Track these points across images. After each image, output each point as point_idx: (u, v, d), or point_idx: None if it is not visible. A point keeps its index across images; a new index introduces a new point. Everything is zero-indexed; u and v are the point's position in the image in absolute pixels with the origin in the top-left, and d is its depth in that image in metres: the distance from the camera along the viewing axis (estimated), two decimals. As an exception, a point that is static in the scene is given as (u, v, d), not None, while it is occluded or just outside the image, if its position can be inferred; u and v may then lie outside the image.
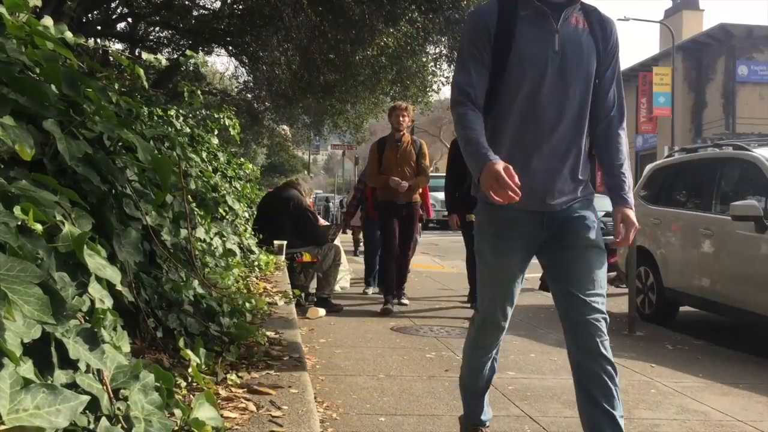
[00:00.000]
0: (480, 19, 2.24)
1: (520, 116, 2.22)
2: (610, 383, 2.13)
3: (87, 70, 2.56)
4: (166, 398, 1.64)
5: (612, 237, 2.29)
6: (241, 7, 11.59)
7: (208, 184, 4.56)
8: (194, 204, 3.98)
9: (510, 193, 1.98)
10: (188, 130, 5.11)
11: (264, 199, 7.11)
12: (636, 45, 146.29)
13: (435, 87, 14.05)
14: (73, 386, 1.36)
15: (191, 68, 11.34)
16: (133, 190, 2.39)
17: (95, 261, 1.54)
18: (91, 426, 1.36)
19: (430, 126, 40.91)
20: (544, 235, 2.30)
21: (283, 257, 6.09)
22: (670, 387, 3.89)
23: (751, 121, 25.87)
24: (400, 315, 6.01)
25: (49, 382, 1.30)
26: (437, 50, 12.65)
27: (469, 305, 6.47)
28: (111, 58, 4.75)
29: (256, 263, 5.55)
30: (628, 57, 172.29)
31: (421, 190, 6.65)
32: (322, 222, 7.32)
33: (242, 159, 10.35)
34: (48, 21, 2.16)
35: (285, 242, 6.14)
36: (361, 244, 9.55)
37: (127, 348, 1.68)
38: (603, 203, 3.92)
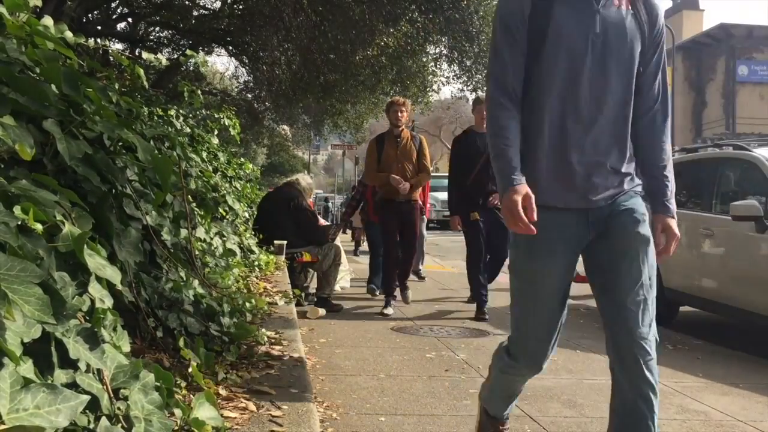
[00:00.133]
0: (513, 0, 2.05)
1: (559, 105, 2.03)
2: (648, 415, 1.98)
3: (87, 70, 2.56)
4: (166, 398, 1.64)
5: None
6: (241, 7, 11.59)
7: (208, 184, 4.56)
8: (194, 204, 3.98)
9: (521, 225, 1.90)
10: (188, 130, 5.11)
11: (264, 199, 7.11)
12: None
13: (435, 87, 14.06)
14: (73, 386, 1.36)
15: (191, 68, 11.36)
16: (133, 190, 2.39)
17: (95, 261, 1.54)
18: (91, 426, 1.36)
19: (430, 126, 40.88)
20: (590, 235, 2.09)
21: (283, 257, 6.09)
22: (670, 387, 3.89)
23: (751, 121, 25.89)
24: (400, 315, 6.01)
25: (49, 381, 1.30)
26: (437, 50, 12.66)
27: (472, 307, 6.46)
28: (111, 58, 4.75)
29: (256, 263, 5.55)
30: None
31: (420, 189, 6.55)
32: (322, 222, 7.31)
33: (242, 159, 10.36)
34: (48, 21, 2.16)
35: (285, 242, 6.14)
36: (363, 244, 9.54)
37: (127, 348, 1.68)
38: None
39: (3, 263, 1.24)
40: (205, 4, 12.97)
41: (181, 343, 2.39)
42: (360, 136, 21.81)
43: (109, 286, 1.64)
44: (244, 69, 16.24)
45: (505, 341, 2.31)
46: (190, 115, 5.53)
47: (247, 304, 3.53)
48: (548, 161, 2.06)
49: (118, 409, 1.46)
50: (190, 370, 2.24)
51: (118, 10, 13.14)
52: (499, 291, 6.23)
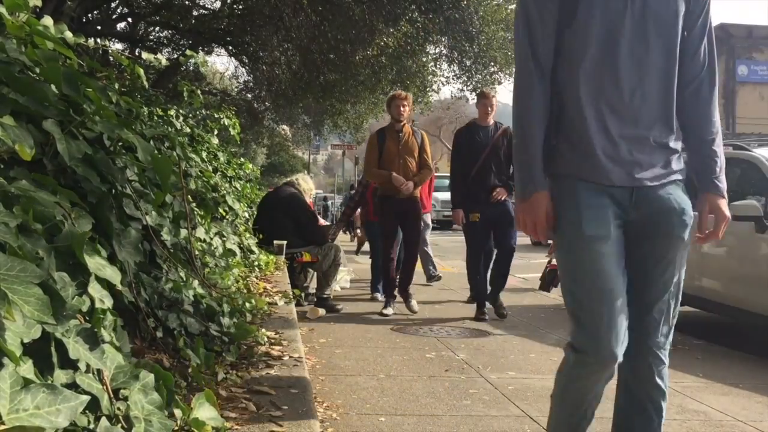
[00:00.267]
0: None
1: (595, 74, 1.85)
2: (656, 420, 1.98)
3: (87, 70, 2.56)
4: (166, 398, 1.63)
5: None
6: (241, 7, 11.60)
7: (208, 184, 4.56)
8: (194, 204, 3.98)
9: (540, 235, 1.85)
10: (188, 130, 5.11)
11: (264, 198, 7.10)
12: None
13: (435, 87, 14.07)
14: (73, 386, 1.36)
15: (191, 68, 11.38)
16: (133, 190, 2.39)
17: (95, 261, 1.54)
18: (91, 426, 1.36)
19: (430, 126, 40.86)
20: (633, 214, 1.89)
21: (283, 257, 6.09)
22: (670, 387, 3.88)
23: (751, 121, 25.87)
24: (400, 315, 6.01)
25: (49, 382, 1.30)
26: (437, 50, 12.69)
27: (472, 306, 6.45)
28: (111, 58, 4.76)
29: (256, 263, 5.55)
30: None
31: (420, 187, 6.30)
32: (322, 222, 7.31)
33: (242, 159, 10.36)
34: (48, 21, 2.16)
35: (285, 242, 6.14)
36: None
37: (127, 348, 1.68)
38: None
39: (3, 263, 1.24)
40: (204, 4, 13.00)
41: (181, 343, 2.39)
42: (360, 136, 21.84)
43: (109, 287, 1.64)
44: (243, 69, 16.27)
45: (566, 345, 2.01)
46: (190, 115, 5.54)
47: (247, 305, 3.53)
48: (588, 137, 1.87)
49: (118, 409, 1.46)
50: (189, 370, 2.24)
51: (118, 10, 13.16)
52: (511, 292, 6.20)
